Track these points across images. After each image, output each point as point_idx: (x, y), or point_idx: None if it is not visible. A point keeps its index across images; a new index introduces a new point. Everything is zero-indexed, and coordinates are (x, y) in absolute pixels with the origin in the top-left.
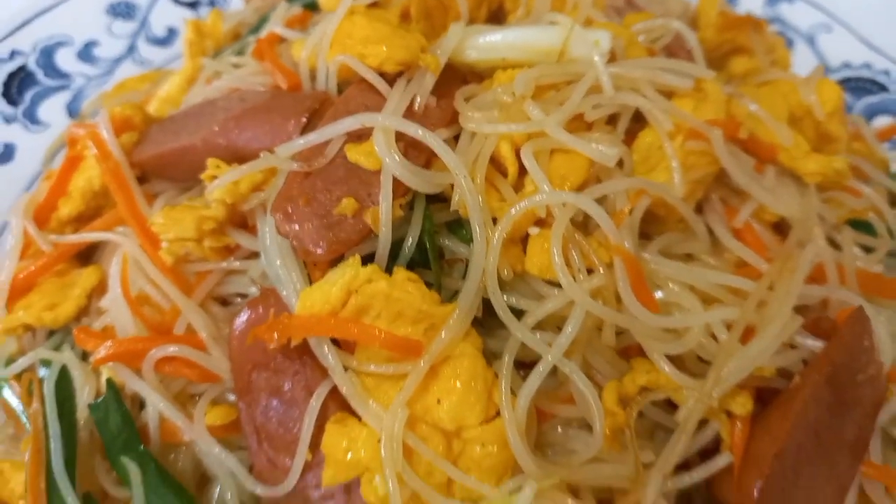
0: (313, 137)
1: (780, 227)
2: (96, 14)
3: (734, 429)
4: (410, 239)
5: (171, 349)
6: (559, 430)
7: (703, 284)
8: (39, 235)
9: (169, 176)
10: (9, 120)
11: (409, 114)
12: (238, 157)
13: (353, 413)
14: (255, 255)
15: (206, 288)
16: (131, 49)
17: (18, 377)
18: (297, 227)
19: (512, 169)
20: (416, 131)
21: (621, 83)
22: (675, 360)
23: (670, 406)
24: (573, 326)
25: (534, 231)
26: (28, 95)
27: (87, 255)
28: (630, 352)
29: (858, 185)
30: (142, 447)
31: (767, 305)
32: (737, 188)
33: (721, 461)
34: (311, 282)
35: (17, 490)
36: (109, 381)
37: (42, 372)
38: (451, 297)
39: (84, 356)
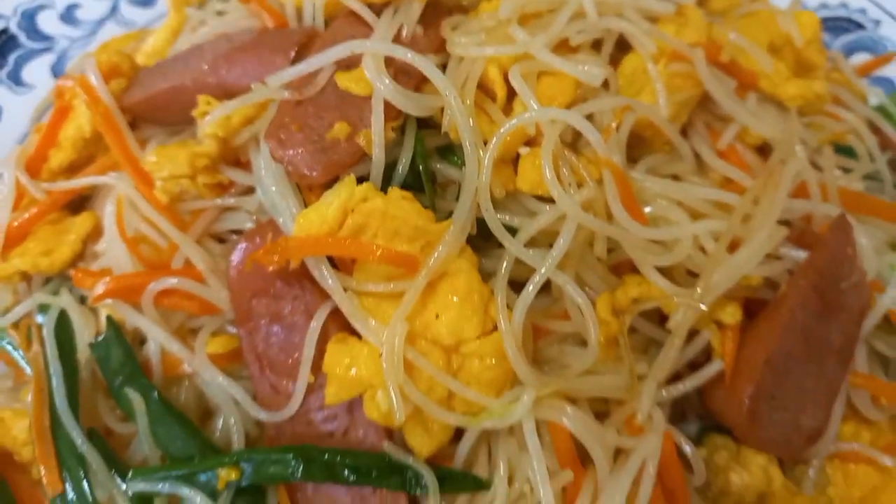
0: (303, 66)
1: (763, 151)
2: None
3: (725, 338)
4: (403, 161)
5: (170, 281)
6: (555, 346)
7: (690, 200)
8: (32, 184)
9: (159, 119)
10: None
11: (397, 42)
12: (228, 94)
13: (352, 333)
14: (249, 191)
15: (202, 225)
16: (114, 10)
17: (16, 326)
18: (291, 152)
19: (501, 92)
20: (406, 55)
21: (605, 9)
22: (665, 273)
23: (662, 322)
24: (565, 238)
25: (524, 151)
26: (11, 58)
27: (79, 205)
28: (621, 268)
29: (838, 111)
30: (145, 379)
31: (753, 218)
32: (720, 115)
33: (713, 369)
34: (306, 206)
35: (19, 437)
36: (109, 319)
37: (40, 319)
38: (444, 218)
39: (82, 300)
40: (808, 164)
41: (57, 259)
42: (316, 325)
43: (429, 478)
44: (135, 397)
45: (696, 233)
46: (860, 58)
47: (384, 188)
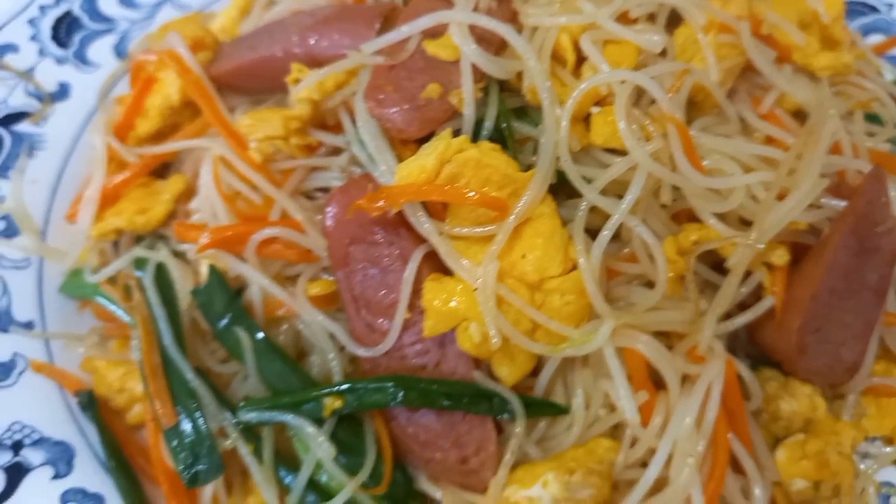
0: (395, 35)
1: (798, 117)
2: None
3: (775, 277)
4: (489, 118)
5: (274, 231)
6: (622, 286)
7: (740, 154)
8: (124, 149)
9: (245, 88)
10: (61, 61)
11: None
12: (316, 62)
13: (445, 274)
14: (335, 151)
15: (293, 182)
16: None
17: (111, 282)
18: (390, 110)
19: (571, 58)
20: (489, 22)
21: None
22: (720, 220)
23: (714, 267)
24: (637, 185)
25: (595, 110)
26: (76, 38)
27: (160, 172)
28: (678, 217)
29: (862, 81)
30: (250, 320)
31: (796, 172)
32: (759, 83)
33: (765, 305)
34: (400, 160)
35: (114, 385)
36: (212, 267)
37: (137, 273)
38: (523, 171)
39: (175, 255)
40: (841, 126)
41: (153, 217)
42: (413, 266)
43: (515, 403)
44: (243, 336)
45: (749, 183)
46: (874, 39)
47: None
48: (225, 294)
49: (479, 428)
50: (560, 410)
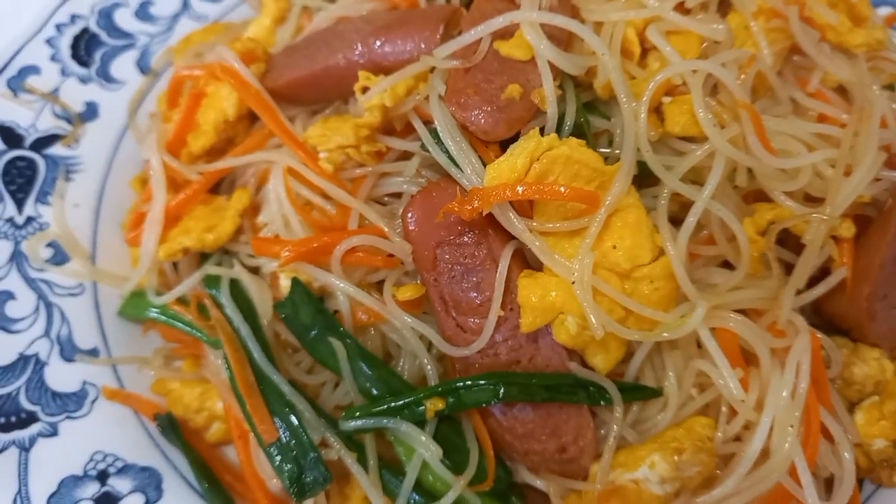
0: (467, 37)
1: (839, 92)
2: None
3: (843, 249)
4: (569, 113)
5: (359, 239)
6: (701, 269)
7: (802, 134)
8: (184, 167)
9: (304, 99)
10: (85, 80)
11: None
12: (380, 69)
13: (534, 270)
14: (404, 156)
15: (366, 189)
16: (186, 5)
17: (180, 302)
18: (474, 113)
19: (637, 50)
20: (561, 20)
21: None
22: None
23: (781, 244)
24: (718, 170)
25: (666, 100)
26: (97, 56)
27: (215, 189)
28: (748, 198)
29: (890, 54)
30: (341, 328)
31: (855, 148)
32: (800, 63)
33: (838, 275)
34: (482, 162)
35: (192, 405)
36: (296, 280)
37: (210, 291)
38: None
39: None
40: (887, 101)
41: (222, 233)
42: (504, 264)
43: (612, 390)
44: (337, 345)
45: (815, 161)
46: (883, 11)
47: None
48: (311, 305)
49: (576, 417)
50: (654, 393)
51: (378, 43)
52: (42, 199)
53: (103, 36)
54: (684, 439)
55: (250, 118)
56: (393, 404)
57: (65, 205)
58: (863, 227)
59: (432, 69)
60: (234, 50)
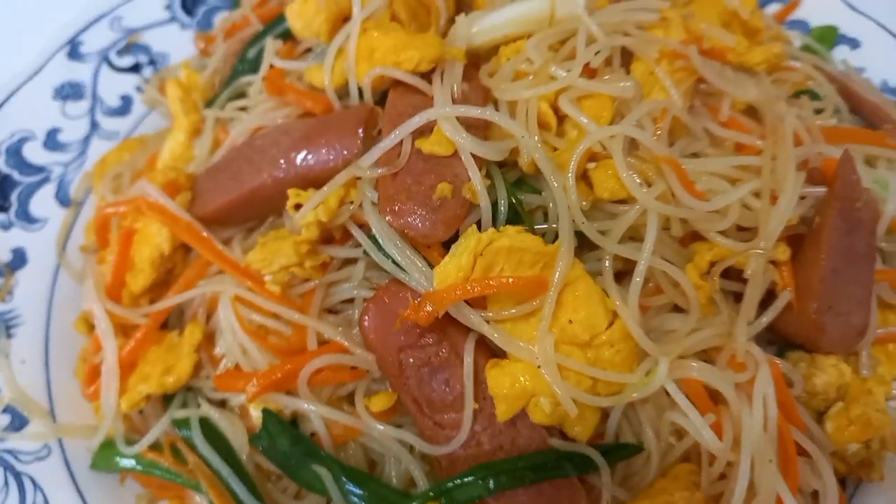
0: (387, 142)
1: (749, 113)
2: (45, 102)
3: (782, 272)
4: (502, 200)
5: (321, 360)
6: (654, 318)
7: (724, 169)
8: (129, 312)
9: (236, 221)
10: (6, 226)
11: (453, 101)
12: (307, 182)
13: (495, 357)
14: (347, 262)
15: (317, 303)
16: (94, 125)
17: (153, 447)
18: (410, 219)
19: (553, 122)
20: (475, 112)
21: (607, 29)
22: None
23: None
24: (653, 228)
25: (591, 166)
26: (13, 197)
27: (164, 324)
28: (684, 241)
29: (790, 63)
30: (323, 452)
31: (776, 171)
32: (708, 90)
33: (783, 299)
34: (428, 263)
35: None
36: (266, 411)
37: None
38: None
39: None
40: (797, 119)
41: (181, 373)
42: (469, 359)
43: (596, 456)
44: (321, 471)
45: (742, 195)
46: (772, 8)
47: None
48: (287, 433)
49: (567, 489)
50: (637, 449)
51: (300, 155)
52: None
53: (16, 175)
54: (673, 490)
55: (186, 246)
56: None
57: (11, 364)
58: (796, 245)
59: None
60: (155, 182)
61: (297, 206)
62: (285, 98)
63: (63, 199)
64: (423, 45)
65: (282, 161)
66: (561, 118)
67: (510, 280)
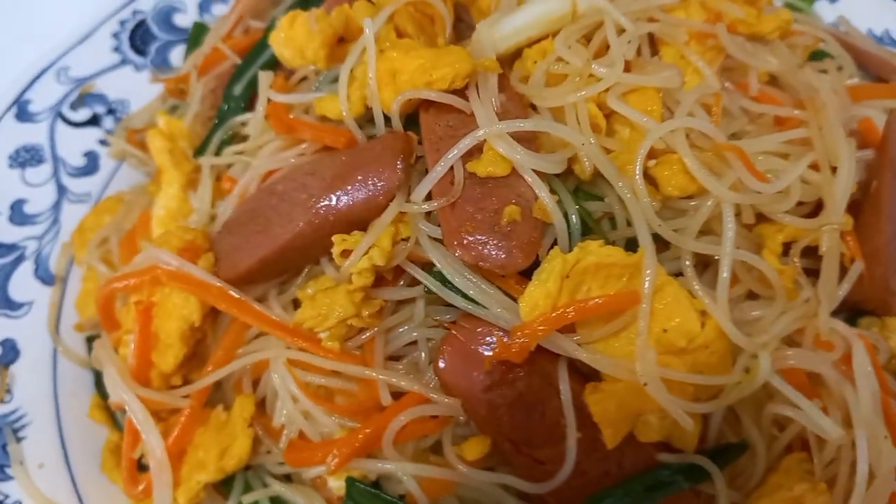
0: (439, 171)
1: (771, 84)
2: (2, 173)
3: (848, 242)
4: (573, 214)
5: (408, 414)
6: (735, 309)
7: (774, 146)
8: (166, 396)
9: (269, 277)
10: None
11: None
12: (350, 224)
13: (586, 379)
14: (401, 303)
15: (380, 352)
16: (61, 190)
17: None
18: (484, 251)
19: (603, 123)
20: (525, 125)
21: (632, 17)
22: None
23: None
24: (731, 219)
25: (651, 164)
26: None
27: None
28: (748, 227)
29: (796, 27)
30: None
31: (825, 141)
32: (727, 66)
33: (855, 271)
34: (504, 293)
35: None
36: (350, 480)
37: None
38: None
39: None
40: (827, 84)
41: (241, 454)
42: (565, 387)
43: (707, 465)
44: None
45: (800, 171)
46: None
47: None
48: (378, 502)
49: (682, 499)
50: (742, 449)
51: (337, 197)
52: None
53: None
54: (790, 483)
55: (214, 312)
56: None
57: (29, 472)
58: (853, 212)
59: None
60: (170, 247)
61: (344, 253)
62: (297, 135)
63: (44, 276)
64: (455, 61)
65: (317, 205)
66: (606, 117)
67: (602, 300)
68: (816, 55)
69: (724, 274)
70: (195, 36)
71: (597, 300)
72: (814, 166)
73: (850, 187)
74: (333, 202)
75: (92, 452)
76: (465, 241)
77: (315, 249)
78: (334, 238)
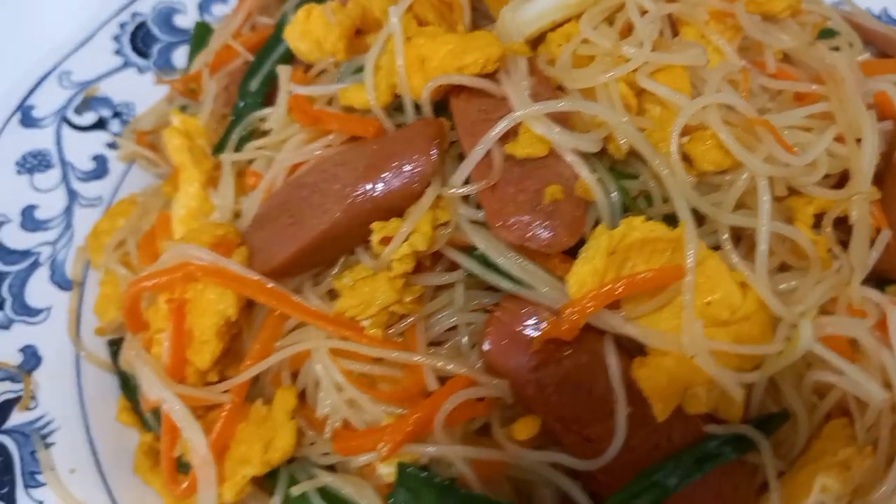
0: (477, 154)
1: (785, 61)
2: (10, 179)
3: (873, 211)
4: (613, 192)
5: (459, 396)
6: (771, 280)
7: (799, 121)
8: (207, 392)
9: (304, 269)
10: (5, 325)
11: None
12: (388, 211)
13: (631, 355)
14: (439, 290)
15: (422, 338)
16: (72, 195)
17: None
18: (529, 232)
19: (635, 102)
20: (562, 105)
21: None
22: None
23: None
24: (766, 192)
25: (684, 140)
26: (4, 290)
27: None
28: (779, 200)
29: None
30: (480, 496)
31: (847, 114)
32: (740, 45)
33: (883, 240)
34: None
35: None
36: (402, 466)
37: None
38: None
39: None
40: (843, 59)
41: (285, 446)
42: (614, 362)
43: (754, 433)
44: None
45: (827, 144)
46: None
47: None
48: (433, 487)
49: (732, 474)
50: (786, 417)
51: (372, 185)
52: (31, 483)
53: (0, 266)
54: (835, 448)
55: (248, 306)
56: None
57: (60, 477)
58: (877, 184)
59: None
60: (201, 243)
61: (383, 240)
62: (323, 126)
63: (61, 282)
64: (485, 45)
65: (352, 194)
66: (636, 97)
67: (650, 274)
68: (825, 33)
69: (763, 246)
70: (199, 36)
71: (645, 274)
72: (838, 139)
73: (875, 156)
74: (369, 190)
75: (123, 455)
76: (510, 222)
77: (351, 239)
78: (373, 225)
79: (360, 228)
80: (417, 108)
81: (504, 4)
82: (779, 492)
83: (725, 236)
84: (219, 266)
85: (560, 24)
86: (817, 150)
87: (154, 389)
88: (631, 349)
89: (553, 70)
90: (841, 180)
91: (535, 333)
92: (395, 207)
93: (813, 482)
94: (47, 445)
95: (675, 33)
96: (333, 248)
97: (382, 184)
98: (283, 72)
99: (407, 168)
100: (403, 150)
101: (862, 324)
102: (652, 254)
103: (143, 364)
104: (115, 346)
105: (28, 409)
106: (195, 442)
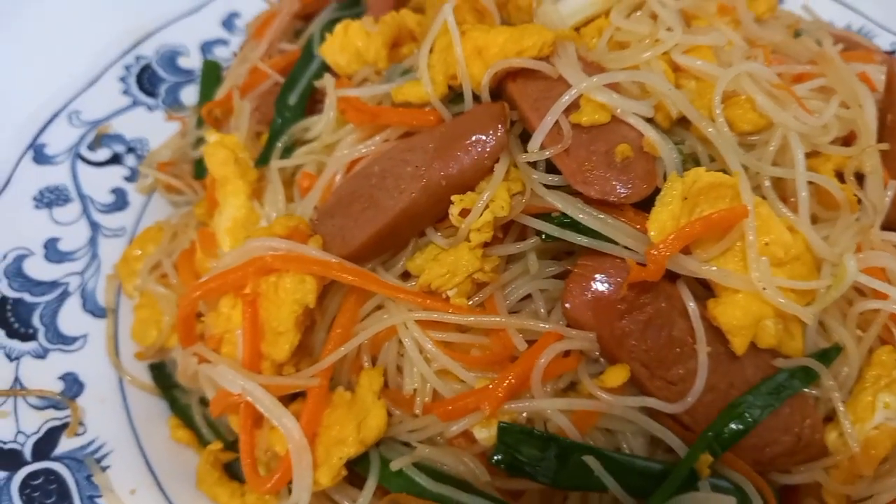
0: (548, 123)
1: None
2: (28, 214)
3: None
4: (673, 150)
5: (554, 348)
6: None
7: (805, 92)
8: (294, 379)
9: (378, 253)
10: (41, 355)
11: None
12: (462, 186)
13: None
14: (510, 261)
15: (503, 305)
16: (94, 226)
17: None
18: (608, 186)
19: (672, 77)
20: (624, 76)
21: None
22: None
23: None
24: (798, 145)
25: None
26: (35, 321)
27: None
28: None
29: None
30: (576, 445)
31: (845, 85)
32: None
33: (892, 187)
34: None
35: None
36: (502, 424)
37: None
38: None
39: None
40: (829, 44)
41: (379, 423)
42: (692, 304)
43: (817, 365)
44: (588, 459)
45: (835, 109)
46: None
47: None
48: (535, 439)
49: (799, 405)
50: (838, 350)
51: (446, 163)
52: None
53: (28, 297)
54: (889, 372)
55: (320, 296)
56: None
57: (121, 498)
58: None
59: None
60: (277, 234)
61: (462, 213)
62: (381, 122)
63: (94, 310)
64: (537, 33)
65: (427, 173)
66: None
67: (721, 213)
68: (796, 35)
69: (803, 193)
70: (208, 73)
71: (716, 213)
72: (842, 105)
73: (875, 116)
74: (443, 168)
75: (182, 473)
76: (589, 178)
77: (426, 218)
78: (453, 198)
79: (435, 206)
80: (475, 98)
81: (524, 12)
82: (846, 415)
83: (768, 184)
84: (298, 253)
85: (591, 20)
86: (829, 113)
87: (236, 383)
88: (700, 295)
89: (593, 55)
90: (845, 143)
91: (616, 284)
92: (467, 183)
93: (876, 402)
94: (103, 469)
95: (688, 26)
96: (409, 228)
97: (455, 161)
98: (329, 80)
99: (479, 145)
100: (473, 129)
101: (891, 256)
102: (717, 199)
103: (217, 363)
104: (155, 370)
105: (77, 434)
106: (288, 427)
